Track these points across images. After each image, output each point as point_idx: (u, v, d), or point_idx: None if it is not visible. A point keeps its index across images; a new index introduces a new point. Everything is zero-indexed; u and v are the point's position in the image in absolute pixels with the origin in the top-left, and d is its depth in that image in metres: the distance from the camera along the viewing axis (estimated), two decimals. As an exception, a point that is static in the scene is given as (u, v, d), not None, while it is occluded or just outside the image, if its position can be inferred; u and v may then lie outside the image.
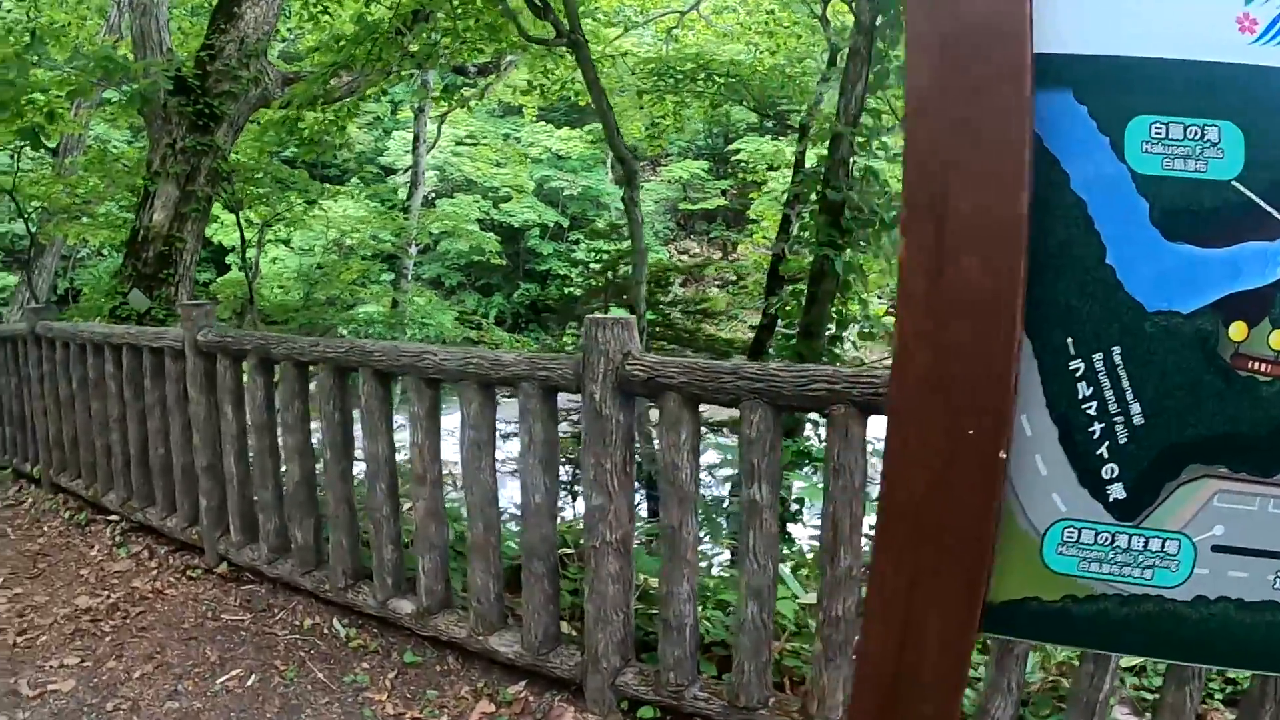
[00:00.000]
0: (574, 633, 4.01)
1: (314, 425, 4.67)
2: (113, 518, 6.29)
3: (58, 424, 6.85)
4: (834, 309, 8.05)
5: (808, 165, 10.83)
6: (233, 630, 4.65)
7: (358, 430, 4.33)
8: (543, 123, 31.59)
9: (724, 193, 33.76)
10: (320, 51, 9.24)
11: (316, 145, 10.45)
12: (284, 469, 4.76)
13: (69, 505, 6.84)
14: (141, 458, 5.84)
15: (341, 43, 9.03)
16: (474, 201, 24.63)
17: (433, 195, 24.19)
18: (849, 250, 7.66)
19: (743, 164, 30.97)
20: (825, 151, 8.45)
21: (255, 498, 4.97)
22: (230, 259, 23.97)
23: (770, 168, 30.37)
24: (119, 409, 5.92)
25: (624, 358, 3.38)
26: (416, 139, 16.52)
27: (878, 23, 7.84)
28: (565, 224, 33.33)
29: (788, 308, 8.39)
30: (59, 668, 4.41)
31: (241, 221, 11.27)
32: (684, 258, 34.79)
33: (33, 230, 12.76)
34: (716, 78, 10.95)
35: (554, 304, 32.55)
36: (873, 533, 1.50)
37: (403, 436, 4.23)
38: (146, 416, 5.66)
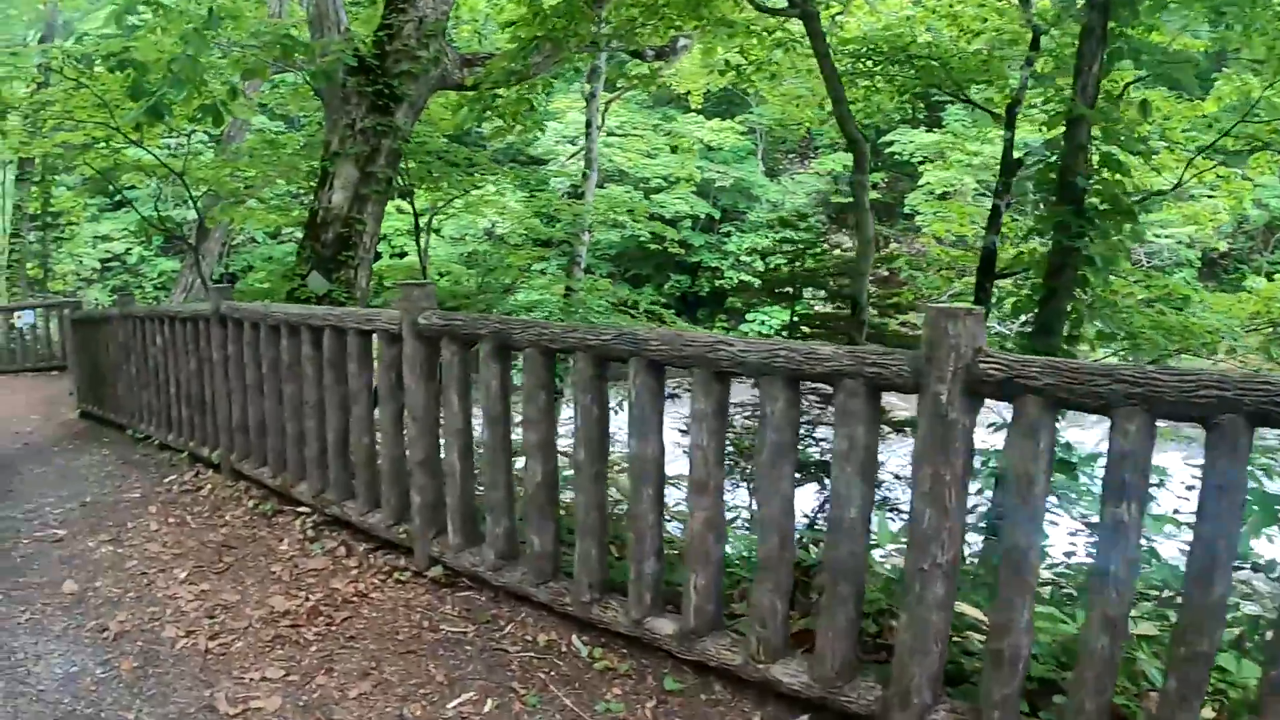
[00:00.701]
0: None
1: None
2: (303, 510, 5.91)
3: (242, 408, 6.52)
4: (1071, 305, 7.39)
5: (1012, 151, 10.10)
6: (455, 644, 4.16)
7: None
8: (693, 114, 31.35)
9: (874, 185, 33.01)
10: (518, 25, 8.82)
11: (509, 125, 10.03)
12: (519, 467, 4.25)
13: (252, 494, 6.51)
14: (341, 448, 5.43)
15: (540, 16, 8.59)
16: (626, 193, 24.38)
17: (572, 187, 24.00)
18: (1091, 241, 7.01)
19: (895, 155, 30.28)
20: (1042, 137, 7.79)
21: (481, 497, 4.49)
22: (388, 245, 24.15)
23: (923, 160, 29.63)
24: (316, 394, 5.53)
25: (975, 354, 2.83)
26: (589, 125, 16.13)
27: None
28: (716, 216, 33.03)
29: (1015, 302, 7.65)
30: (260, 681, 3.98)
31: (415, 205, 10.94)
32: (837, 251, 34.10)
33: (200, 214, 12.69)
34: (916, 60, 10.22)
35: (704, 296, 32.29)
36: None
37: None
38: (350, 403, 5.24)
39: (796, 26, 10.35)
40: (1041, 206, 7.61)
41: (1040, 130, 8.83)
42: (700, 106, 25.96)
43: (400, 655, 4.09)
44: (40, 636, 4.49)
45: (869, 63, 10.76)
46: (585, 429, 3.78)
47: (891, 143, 31.03)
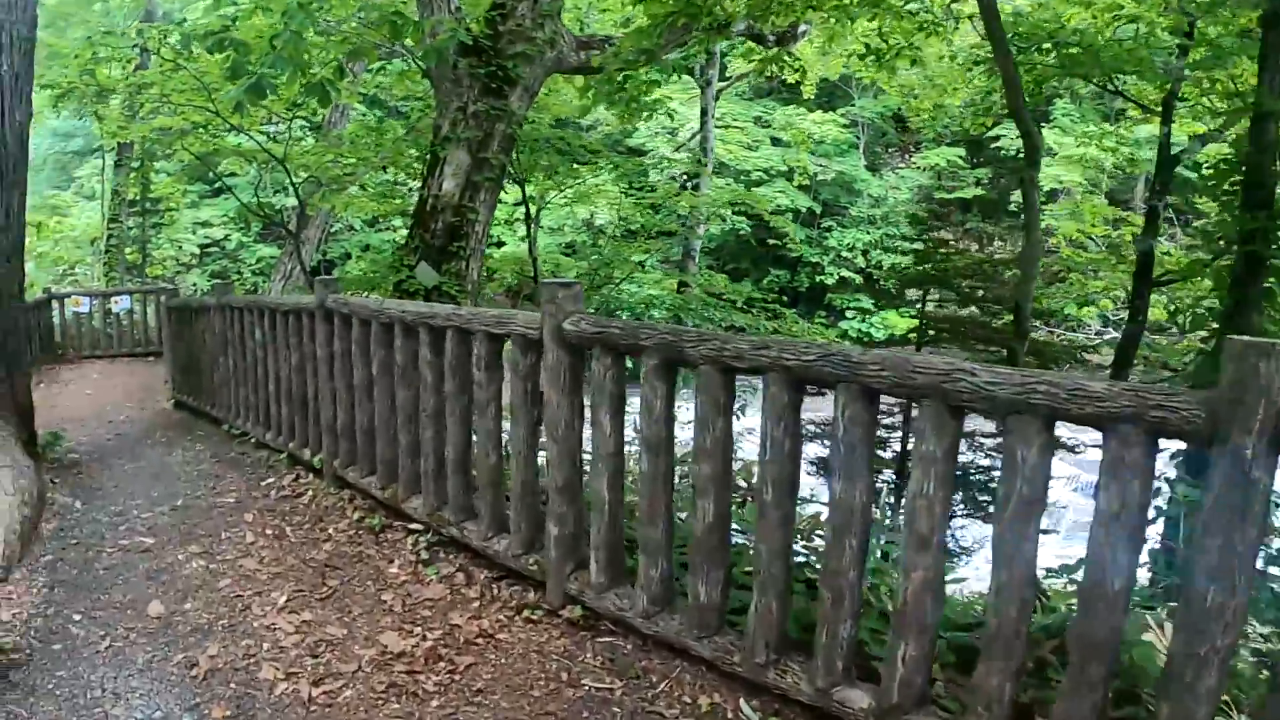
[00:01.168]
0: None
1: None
2: (415, 527, 5.35)
3: (348, 411, 5.99)
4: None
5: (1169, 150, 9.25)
6: (601, 703, 3.55)
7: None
8: (796, 106, 30.69)
9: (977, 182, 32.02)
10: (649, 2, 8.20)
11: (635, 110, 9.42)
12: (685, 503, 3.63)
13: (357, 505, 5.98)
14: (462, 463, 4.86)
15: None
16: (727, 184, 23.76)
17: (684, 177, 23.46)
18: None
19: (1002, 151, 29.24)
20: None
21: (635, 533, 3.87)
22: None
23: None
24: (435, 402, 4.96)
25: (1283, 399, 2.19)
26: (704, 113, 15.51)
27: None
28: (817, 210, 32.32)
29: (1191, 317, 6.85)
30: (377, 745, 3.43)
31: (527, 195, 10.40)
32: (956, 248, 33.18)
33: (301, 200, 12.29)
34: (1065, 48, 9.37)
35: (803, 292, 31.63)
36: None
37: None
38: (474, 414, 4.66)
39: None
40: (1222, 212, 6.83)
41: (1205, 126, 8.00)
42: (809, 96, 25.19)
43: (538, 718, 3.49)
44: (121, 670, 4.00)
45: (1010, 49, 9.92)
46: (775, 465, 3.13)
47: (998, 137, 30.03)
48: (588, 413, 4.00)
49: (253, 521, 5.98)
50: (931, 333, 12.76)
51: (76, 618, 4.56)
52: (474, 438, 4.72)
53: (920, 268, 13.39)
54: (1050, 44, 9.40)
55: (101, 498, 6.79)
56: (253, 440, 8.03)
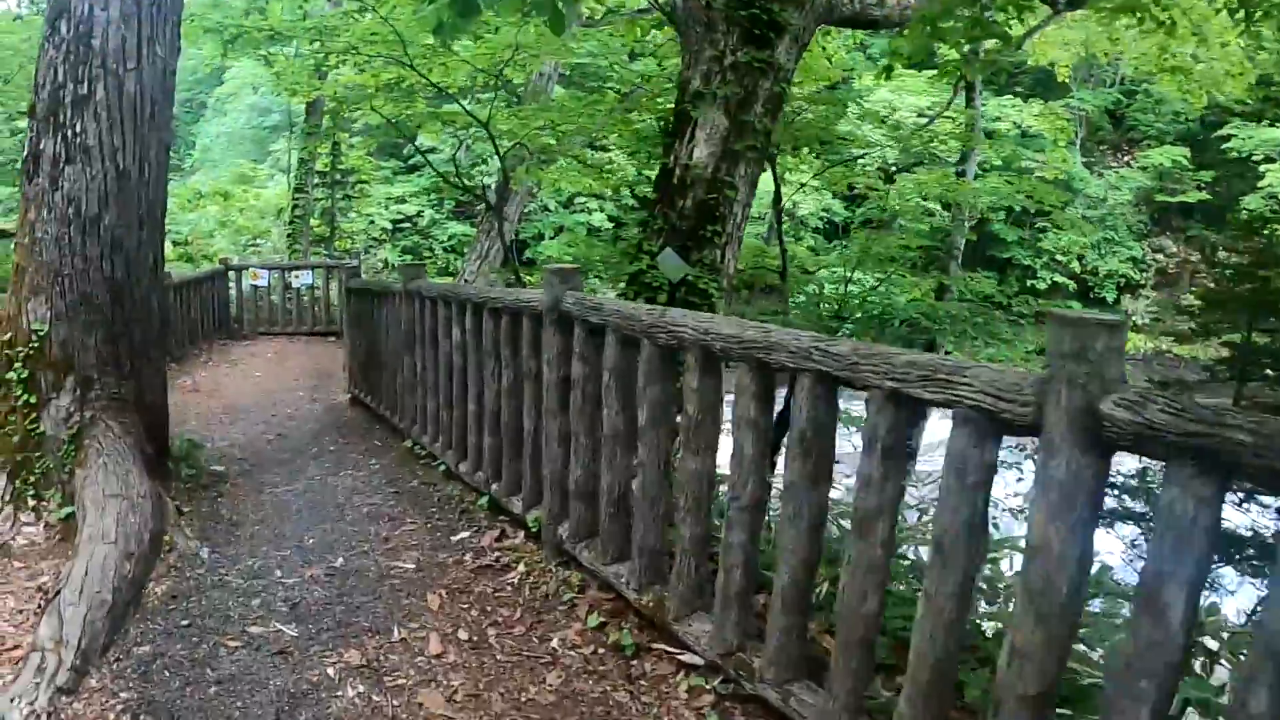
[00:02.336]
0: None
1: None
2: (692, 661, 3.42)
3: (589, 466, 4.13)
4: None
5: None
6: None
7: None
8: (1007, 96, 27.96)
9: (1201, 186, 28.68)
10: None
11: (961, 68, 7.25)
12: None
13: (592, 599, 4.11)
14: (800, 595, 2.90)
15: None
16: (936, 177, 21.40)
17: (894, 168, 21.19)
18: None
19: (1234, 153, 25.99)
20: None
21: None
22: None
23: (1265, 159, 25.36)
24: (756, 488, 3.01)
25: None
26: (970, 89, 13.30)
27: None
28: (1031, 209, 29.50)
29: None
30: None
31: (778, 175, 8.42)
32: (1159, 257, 30.04)
33: (506, 172, 10.59)
34: None
35: (1010, 299, 28.87)
36: None
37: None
38: (851, 533, 2.71)
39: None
40: None
41: None
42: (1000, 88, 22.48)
43: None
44: None
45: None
46: None
47: (1228, 137, 26.67)
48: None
49: (439, 609, 4.17)
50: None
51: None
52: (843, 560, 2.75)
53: (1241, 287, 10.78)
54: None
55: (237, 542, 5.11)
56: (441, 467, 6.28)
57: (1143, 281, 30.28)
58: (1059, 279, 29.79)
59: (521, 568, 4.54)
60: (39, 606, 4.23)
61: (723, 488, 3.40)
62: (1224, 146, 27.19)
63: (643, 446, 3.60)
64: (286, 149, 26.16)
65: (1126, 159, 32.25)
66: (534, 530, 4.71)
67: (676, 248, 6.29)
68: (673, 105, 7.28)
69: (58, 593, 3.91)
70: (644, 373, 3.54)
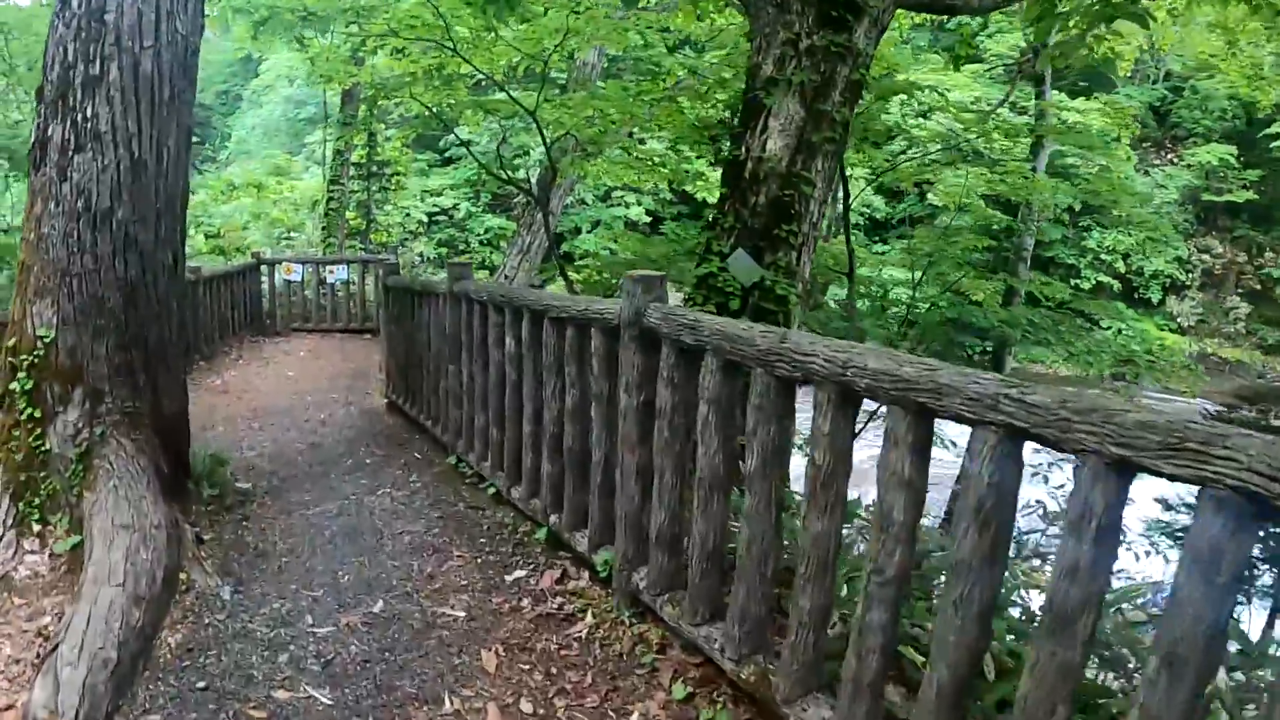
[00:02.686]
0: None
1: None
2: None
3: (672, 501, 3.51)
4: None
5: None
6: None
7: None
8: (1053, 92, 27.08)
9: (1248, 185, 27.82)
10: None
11: (1082, 47, 6.53)
12: None
13: (678, 662, 3.51)
14: (955, 688, 2.28)
15: None
16: (980, 174, 20.66)
17: (957, 162, 20.46)
18: None
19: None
20: None
21: None
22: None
23: None
24: (903, 557, 2.40)
25: None
26: (1039, 80, 12.57)
27: None
28: (1076, 207, 28.63)
29: None
30: None
31: (845, 170, 7.76)
32: (1205, 257, 29.15)
33: (553, 163, 9.98)
34: None
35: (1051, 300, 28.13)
36: None
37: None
38: (997, 578, 2.07)
39: None
40: None
41: None
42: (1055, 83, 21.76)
43: None
44: None
45: None
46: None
47: (1276, 135, 25.81)
48: None
49: (496, 672, 3.57)
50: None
51: None
52: (1026, 661, 2.13)
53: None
54: None
55: (264, 578, 4.53)
56: (490, 489, 5.68)
57: (1188, 282, 29.44)
58: (1103, 278, 28.98)
59: (589, 618, 3.93)
60: (38, 656, 3.69)
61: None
62: (1272, 145, 26.35)
63: (750, 495, 2.97)
64: (321, 140, 25.71)
65: (1170, 156, 31.38)
66: (602, 575, 4.10)
67: (749, 248, 5.66)
68: (725, 97, 6.64)
69: (55, 647, 3.35)
70: (756, 408, 2.91)
